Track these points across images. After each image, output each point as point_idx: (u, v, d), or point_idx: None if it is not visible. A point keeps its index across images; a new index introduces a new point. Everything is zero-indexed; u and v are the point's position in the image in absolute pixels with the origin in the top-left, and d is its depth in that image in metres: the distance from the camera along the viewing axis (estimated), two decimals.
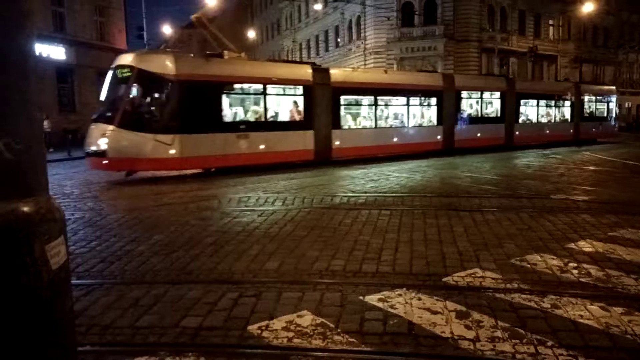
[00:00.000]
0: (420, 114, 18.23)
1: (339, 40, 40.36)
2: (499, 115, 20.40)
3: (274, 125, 14.10)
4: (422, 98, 18.05)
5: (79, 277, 4.39)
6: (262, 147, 13.54)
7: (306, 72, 14.84)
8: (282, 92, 14.63)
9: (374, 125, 16.55)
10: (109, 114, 11.78)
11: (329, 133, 15.17)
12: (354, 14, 37.24)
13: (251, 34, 51.92)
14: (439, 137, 18.21)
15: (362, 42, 36.20)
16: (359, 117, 16.63)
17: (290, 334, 3.15)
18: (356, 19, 37.15)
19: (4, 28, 1.37)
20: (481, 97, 20.02)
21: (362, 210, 7.40)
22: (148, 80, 11.90)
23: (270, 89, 13.98)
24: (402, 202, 8.30)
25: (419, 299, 3.70)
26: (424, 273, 4.42)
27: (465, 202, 8.19)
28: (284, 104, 14.71)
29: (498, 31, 35.58)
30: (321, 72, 15.42)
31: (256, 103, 13.93)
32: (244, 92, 13.89)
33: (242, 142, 13.14)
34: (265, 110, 13.82)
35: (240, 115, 13.68)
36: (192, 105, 12.23)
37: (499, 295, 3.78)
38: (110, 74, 12.30)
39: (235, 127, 13.20)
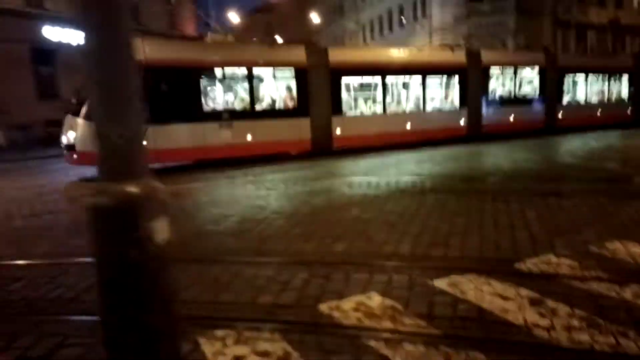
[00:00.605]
0: (440, 96, 16.19)
1: (403, 19, 39.46)
2: (537, 94, 18.03)
3: (262, 113, 13.12)
4: (441, 77, 16.11)
5: None
6: (249, 137, 12.72)
7: (298, 53, 13.61)
8: (270, 76, 13.31)
9: (382, 111, 14.95)
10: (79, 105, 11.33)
11: (329, 120, 13.91)
12: None
13: (315, 18, 51.84)
14: (462, 121, 16.33)
15: (427, 21, 35.17)
16: (365, 101, 14.88)
17: (360, 315, 3.23)
18: None
19: (107, 27, 1.50)
20: (515, 74, 17.61)
21: (428, 195, 7.33)
22: None
23: (256, 72, 12.97)
24: (470, 187, 8.12)
25: (490, 285, 3.65)
26: (494, 258, 4.34)
27: (539, 186, 7.87)
28: (274, 89, 13.43)
29: (575, 3, 33.32)
30: (317, 52, 14.08)
31: (241, 89, 12.91)
32: (226, 77, 12.70)
33: (225, 132, 12.33)
34: (252, 96, 12.86)
35: (223, 103, 12.66)
36: (164, 93, 11.58)
37: (575, 283, 3.65)
38: None
39: (217, 115, 12.39)
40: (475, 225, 5.46)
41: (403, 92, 15.62)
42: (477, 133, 16.64)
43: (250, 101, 12.86)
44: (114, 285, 1.52)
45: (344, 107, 14.29)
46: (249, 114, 12.84)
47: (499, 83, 17.57)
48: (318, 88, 13.59)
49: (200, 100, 12.22)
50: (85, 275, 4.17)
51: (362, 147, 14.34)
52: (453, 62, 16.23)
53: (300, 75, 13.40)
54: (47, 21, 21.05)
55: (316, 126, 13.65)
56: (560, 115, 18.64)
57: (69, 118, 11.38)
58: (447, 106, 16.36)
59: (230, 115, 12.51)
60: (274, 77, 13.35)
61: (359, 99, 14.81)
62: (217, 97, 12.62)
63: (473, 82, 16.55)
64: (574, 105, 19.34)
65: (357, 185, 8.48)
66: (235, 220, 6.13)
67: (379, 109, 14.98)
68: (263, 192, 8.12)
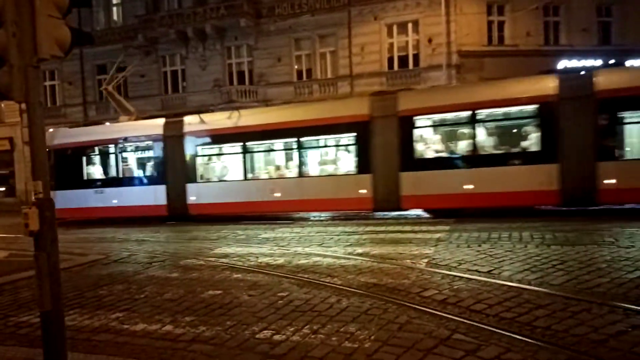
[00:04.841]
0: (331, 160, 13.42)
1: None
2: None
3: (127, 181, 15.07)
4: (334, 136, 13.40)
5: None
6: (115, 201, 14.79)
7: (157, 125, 14.68)
8: (134, 149, 15.24)
9: (241, 178, 13.80)
10: None
11: (183, 188, 14.11)
12: None
13: None
14: (362, 190, 12.23)
15: None
16: (222, 169, 14.43)
17: None
18: None
19: None
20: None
21: None
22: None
23: (122, 147, 15.03)
24: None
25: None
26: None
27: None
28: (138, 160, 15.45)
29: None
30: (174, 123, 14.54)
31: (112, 162, 15.34)
32: (101, 153, 15.57)
33: (99, 197, 14.92)
34: (117, 167, 15.15)
35: (98, 174, 15.53)
36: (61, 168, 15.13)
37: None
38: None
39: (94, 184, 15.15)
40: None
41: (261, 157, 14.88)
42: None
43: (117, 171, 15.27)
44: None
45: (198, 175, 14.34)
46: (118, 182, 15.09)
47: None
48: (175, 157, 14.28)
49: (83, 172, 15.61)
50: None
51: (218, 214, 14.25)
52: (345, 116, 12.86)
53: (159, 146, 14.62)
54: (563, 56, 21.46)
55: (173, 193, 14.27)
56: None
57: None
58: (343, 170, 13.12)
59: (102, 184, 15.36)
60: (138, 148, 15.36)
61: (217, 166, 14.59)
62: (95, 169, 15.68)
63: None
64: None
65: None
66: None
67: (235, 176, 14.06)
68: None
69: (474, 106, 11.51)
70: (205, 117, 14.61)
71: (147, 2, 25.38)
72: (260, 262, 7.21)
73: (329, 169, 13.35)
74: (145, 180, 14.97)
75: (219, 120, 14.25)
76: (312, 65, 23.73)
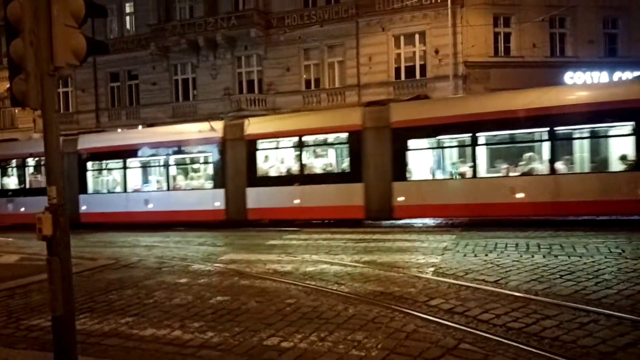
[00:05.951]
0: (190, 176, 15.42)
1: None
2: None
3: (32, 192, 16.52)
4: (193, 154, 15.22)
5: None
6: (22, 209, 16.50)
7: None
8: (38, 163, 16.92)
9: (121, 190, 15.84)
10: None
11: (76, 198, 15.70)
12: None
13: None
14: (217, 203, 14.16)
15: None
16: (110, 181, 16.43)
17: None
18: None
19: None
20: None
21: None
22: None
23: (29, 161, 17.20)
24: None
25: None
26: None
27: None
28: (41, 173, 16.66)
29: None
30: (70, 141, 16.18)
31: (22, 174, 17.48)
32: (15, 166, 17.74)
33: (10, 206, 16.93)
34: (25, 179, 17.33)
35: (12, 184, 17.60)
36: None
37: None
38: None
39: (6, 194, 17.26)
40: None
41: (146, 172, 16.37)
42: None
43: (23, 183, 17.43)
44: None
45: (88, 187, 16.23)
46: (22, 192, 17.26)
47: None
48: (70, 171, 15.76)
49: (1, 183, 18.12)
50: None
51: (106, 223, 15.96)
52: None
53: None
54: (569, 67, 21.49)
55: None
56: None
57: None
58: (201, 186, 15.33)
59: (12, 194, 17.49)
60: (28, 165, 17.60)
61: (104, 179, 16.58)
62: (9, 180, 17.85)
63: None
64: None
65: None
66: None
67: (119, 188, 16.06)
68: None
69: (300, 133, 13.51)
70: (95, 136, 17.02)
71: (159, 12, 25.72)
72: (268, 269, 7.25)
73: (193, 183, 15.19)
74: (45, 191, 16.80)
75: (106, 138, 16.59)
76: (320, 75, 23.90)
